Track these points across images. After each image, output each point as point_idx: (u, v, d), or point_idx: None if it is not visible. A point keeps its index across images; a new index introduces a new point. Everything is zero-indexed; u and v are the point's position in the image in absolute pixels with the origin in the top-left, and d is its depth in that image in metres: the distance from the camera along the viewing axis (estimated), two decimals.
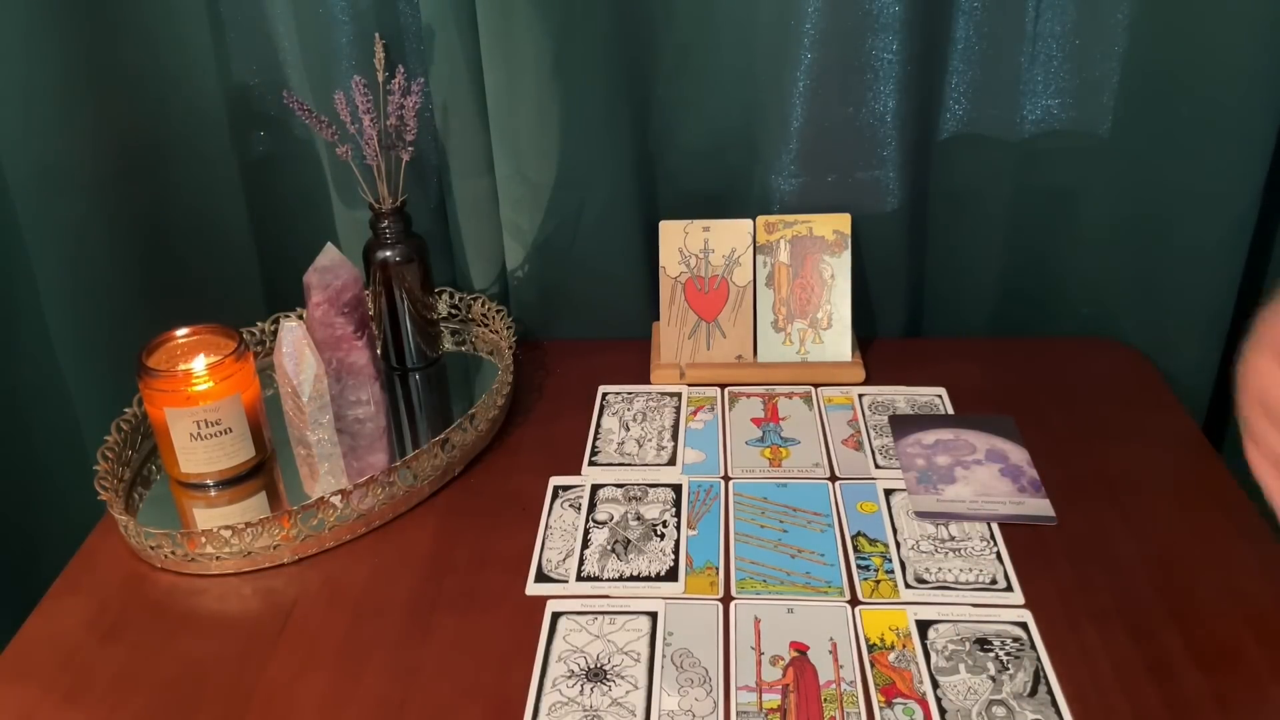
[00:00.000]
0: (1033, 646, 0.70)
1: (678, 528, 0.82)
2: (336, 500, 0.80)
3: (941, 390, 0.97)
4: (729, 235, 0.99)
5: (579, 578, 0.77)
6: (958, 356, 1.03)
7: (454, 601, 0.76)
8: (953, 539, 0.79)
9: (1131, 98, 0.94)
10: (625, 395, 0.99)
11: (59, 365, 1.05)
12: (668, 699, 0.67)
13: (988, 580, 0.75)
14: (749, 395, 0.98)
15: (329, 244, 0.87)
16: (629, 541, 0.81)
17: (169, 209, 1.04)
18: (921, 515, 0.82)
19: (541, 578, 0.78)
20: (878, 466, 0.88)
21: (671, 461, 0.89)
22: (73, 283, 1.01)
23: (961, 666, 0.68)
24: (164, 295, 1.05)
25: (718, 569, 0.78)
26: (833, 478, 0.87)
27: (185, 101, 1.01)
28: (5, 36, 0.91)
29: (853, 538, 0.80)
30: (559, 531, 0.82)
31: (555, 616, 0.74)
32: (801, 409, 0.96)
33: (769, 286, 0.99)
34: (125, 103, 0.99)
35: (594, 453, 0.91)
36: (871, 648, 0.70)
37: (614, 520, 0.83)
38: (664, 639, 0.72)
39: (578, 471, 0.89)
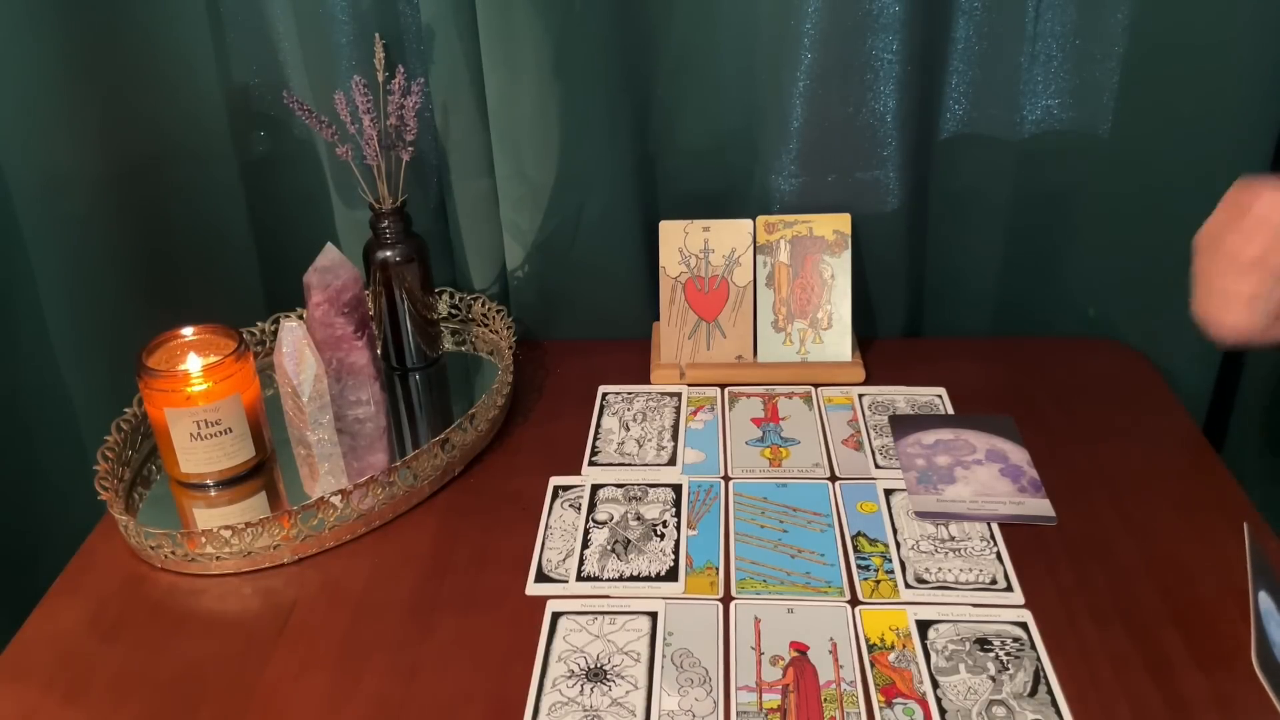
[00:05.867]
0: (1033, 646, 0.70)
1: (678, 528, 0.82)
2: (336, 500, 0.80)
3: (941, 390, 0.97)
4: (729, 235, 0.99)
5: (579, 578, 0.77)
6: (958, 356, 1.03)
7: (454, 601, 0.76)
8: (953, 539, 0.79)
9: (1131, 98, 0.94)
10: (625, 395, 0.99)
11: (59, 365, 1.05)
12: (668, 699, 0.67)
13: (988, 580, 0.75)
14: (749, 395, 0.98)
15: (329, 244, 0.87)
16: (629, 541, 0.81)
17: (169, 209, 1.04)
18: (921, 515, 0.82)
19: (541, 578, 0.78)
20: (878, 466, 0.88)
21: (671, 461, 0.89)
22: (73, 283, 1.01)
23: (961, 666, 0.68)
24: (164, 295, 1.05)
25: (718, 569, 0.78)
26: (833, 478, 0.87)
27: (185, 102, 1.01)
28: (5, 37, 0.91)
29: (853, 538, 0.80)
30: (559, 531, 0.82)
31: (555, 616, 0.74)
32: (801, 409, 0.96)
33: (769, 286, 0.99)
34: (125, 103, 0.99)
35: (594, 453, 0.91)
36: (871, 648, 0.70)
37: (614, 520, 0.83)
38: (664, 639, 0.72)
39: (578, 471, 0.89)
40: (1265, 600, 0.68)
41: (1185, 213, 0.96)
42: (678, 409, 0.96)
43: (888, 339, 1.07)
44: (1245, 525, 0.68)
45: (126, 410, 0.90)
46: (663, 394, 0.99)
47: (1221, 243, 0.69)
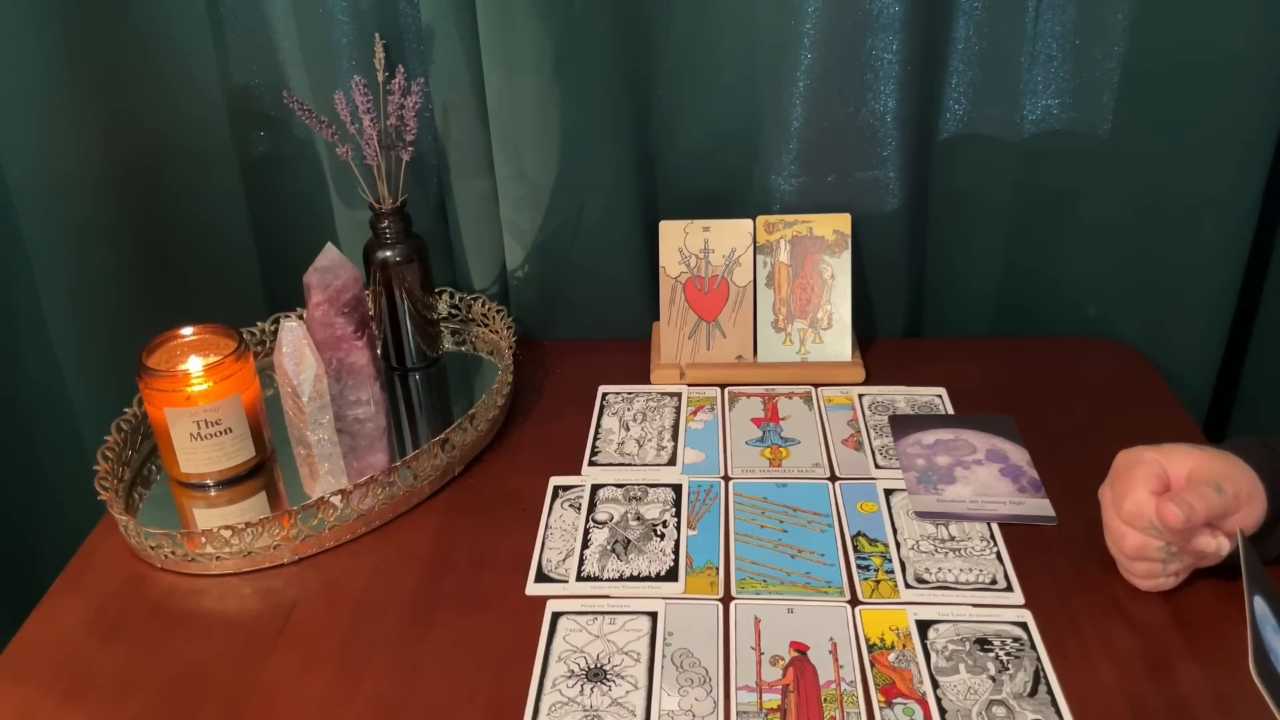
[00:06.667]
0: (1033, 646, 0.70)
1: (678, 528, 0.82)
2: (336, 500, 0.80)
3: (941, 390, 0.97)
4: (729, 235, 0.99)
5: (579, 578, 0.77)
6: (958, 356, 1.03)
7: (454, 601, 0.76)
8: (953, 539, 0.79)
9: (1131, 98, 0.94)
10: (625, 395, 0.99)
11: (59, 365, 1.05)
12: (668, 699, 0.67)
13: (988, 580, 0.75)
14: (749, 395, 0.98)
15: (329, 244, 0.87)
16: (629, 541, 0.81)
17: (169, 209, 1.04)
18: (921, 515, 0.82)
19: (541, 578, 0.78)
20: (878, 466, 0.88)
21: (671, 461, 0.89)
22: (73, 283, 1.01)
23: (961, 666, 0.68)
24: (164, 295, 1.05)
25: (718, 569, 0.78)
26: (833, 478, 0.87)
27: (185, 102, 1.01)
28: (5, 38, 0.91)
29: (853, 538, 0.80)
30: (559, 531, 0.82)
31: (555, 616, 0.74)
32: (801, 409, 0.96)
33: (769, 286, 0.99)
34: (125, 103, 0.99)
35: (594, 453, 0.91)
36: (871, 648, 0.70)
37: (614, 520, 0.83)
38: (664, 639, 0.72)
39: (578, 471, 0.89)
40: (1260, 605, 0.68)
41: (1185, 213, 0.97)
42: (678, 409, 0.96)
43: (888, 339, 1.07)
44: (1239, 529, 0.68)
45: (126, 410, 0.90)
46: (663, 394, 0.99)
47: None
